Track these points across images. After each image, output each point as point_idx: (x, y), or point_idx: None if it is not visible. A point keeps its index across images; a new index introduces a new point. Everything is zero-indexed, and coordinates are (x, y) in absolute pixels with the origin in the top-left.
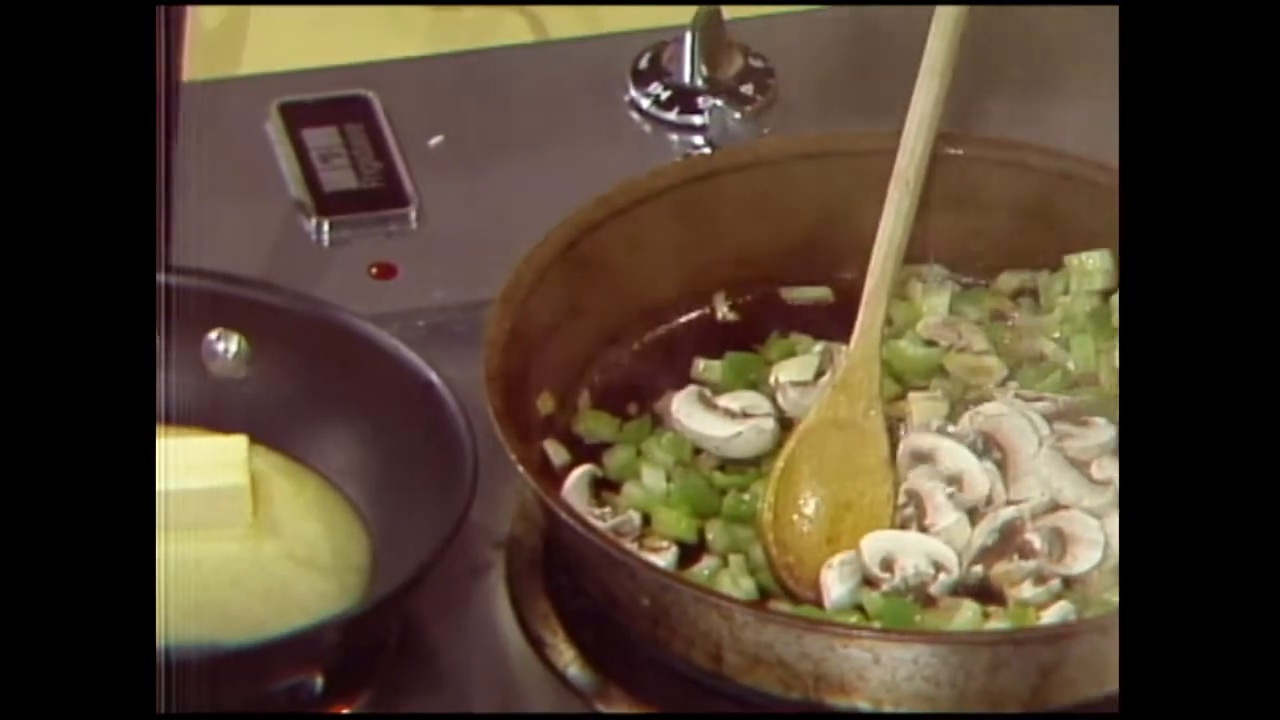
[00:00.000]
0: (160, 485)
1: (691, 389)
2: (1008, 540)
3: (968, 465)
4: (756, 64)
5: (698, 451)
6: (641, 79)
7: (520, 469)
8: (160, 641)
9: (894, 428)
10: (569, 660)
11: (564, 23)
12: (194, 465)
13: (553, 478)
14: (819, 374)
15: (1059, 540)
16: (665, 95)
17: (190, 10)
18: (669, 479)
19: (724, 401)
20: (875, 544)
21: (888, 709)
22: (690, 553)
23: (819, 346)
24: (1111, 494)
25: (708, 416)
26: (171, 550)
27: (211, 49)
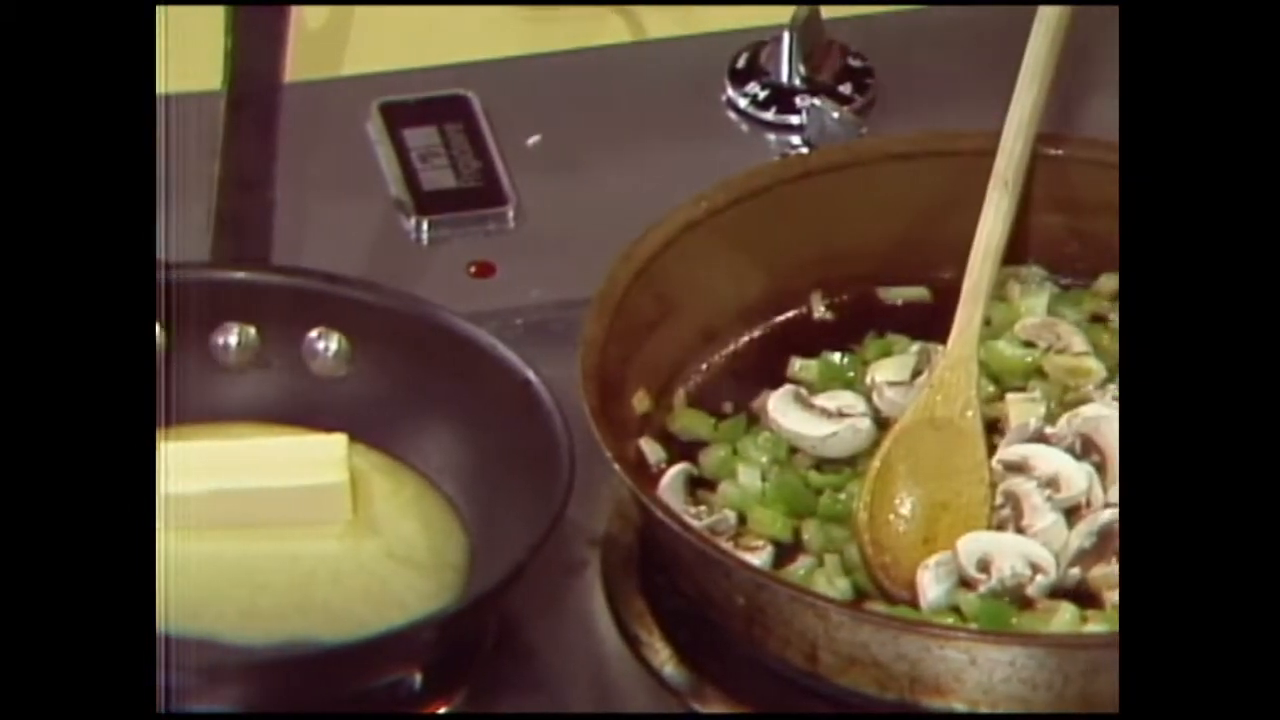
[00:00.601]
0: (261, 483)
1: (787, 388)
2: (1106, 543)
3: (1065, 467)
4: (855, 63)
5: (793, 451)
6: (739, 78)
7: (616, 467)
8: (264, 639)
9: (991, 429)
10: (664, 659)
11: (662, 23)
12: (294, 463)
13: (648, 476)
14: (916, 374)
15: None
16: (763, 95)
17: (294, 11)
18: (764, 478)
19: (820, 401)
20: (972, 545)
21: (983, 710)
22: (786, 552)
23: (916, 346)
24: None
25: (804, 415)
26: (272, 548)
27: (314, 50)
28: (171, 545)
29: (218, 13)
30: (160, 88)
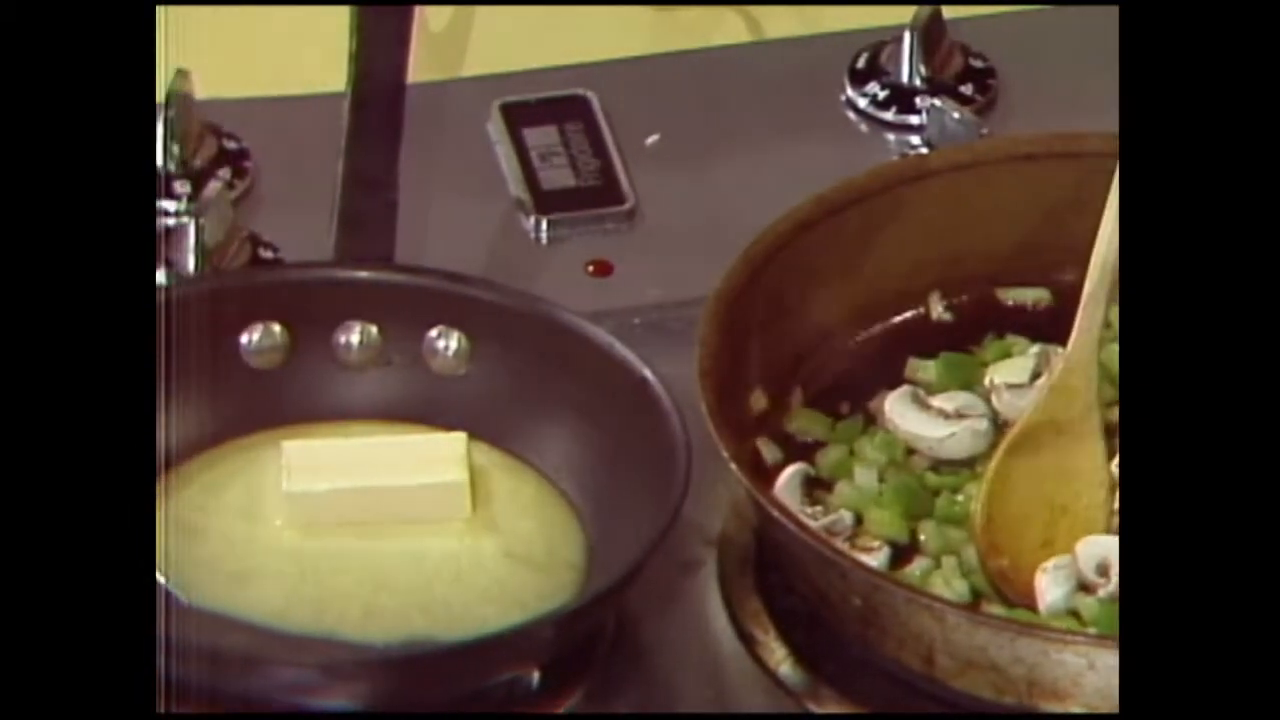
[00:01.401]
0: (382, 481)
1: (905, 389)
2: None
3: None
4: (976, 64)
5: (911, 452)
6: (859, 78)
7: (733, 466)
8: (385, 637)
9: (1111, 432)
10: (780, 659)
11: (782, 22)
12: (415, 461)
13: (765, 476)
14: (1035, 376)
15: None
16: (883, 95)
17: (417, 13)
18: (881, 479)
19: (938, 402)
20: (1091, 548)
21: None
22: (902, 553)
23: (1035, 348)
24: None
25: (921, 417)
26: (393, 546)
27: (436, 51)
28: (294, 543)
29: (343, 15)
30: (285, 89)
